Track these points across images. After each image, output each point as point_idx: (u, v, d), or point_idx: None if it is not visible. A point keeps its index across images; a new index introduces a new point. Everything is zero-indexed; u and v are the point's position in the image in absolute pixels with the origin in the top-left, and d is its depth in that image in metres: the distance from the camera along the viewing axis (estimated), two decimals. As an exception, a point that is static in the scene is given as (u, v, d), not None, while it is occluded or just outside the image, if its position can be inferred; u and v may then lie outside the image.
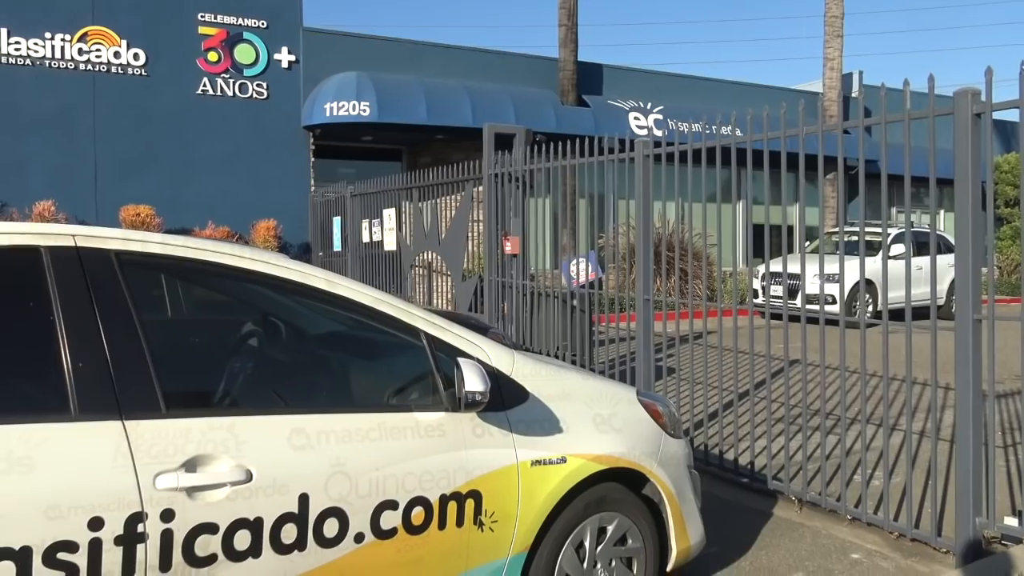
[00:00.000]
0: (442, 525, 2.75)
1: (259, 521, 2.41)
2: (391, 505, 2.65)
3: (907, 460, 4.27)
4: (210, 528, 2.33)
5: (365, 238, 11.02)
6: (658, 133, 16.41)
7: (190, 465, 2.33)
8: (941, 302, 13.00)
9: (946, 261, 12.26)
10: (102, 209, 13.41)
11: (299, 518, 2.47)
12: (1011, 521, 3.95)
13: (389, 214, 10.23)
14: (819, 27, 20.21)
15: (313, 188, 15.16)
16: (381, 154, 17.06)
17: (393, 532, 2.65)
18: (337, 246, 12.33)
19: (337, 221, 12.37)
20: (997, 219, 21.31)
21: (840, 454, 4.63)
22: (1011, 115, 4.81)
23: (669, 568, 3.43)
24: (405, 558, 2.69)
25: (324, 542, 2.52)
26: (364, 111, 14.71)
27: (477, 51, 17.21)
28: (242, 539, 2.38)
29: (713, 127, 5.39)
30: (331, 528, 2.53)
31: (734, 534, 4.34)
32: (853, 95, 21.60)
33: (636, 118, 17.27)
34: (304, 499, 2.48)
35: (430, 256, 9.59)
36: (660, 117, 17.38)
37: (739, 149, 5.20)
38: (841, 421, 4.57)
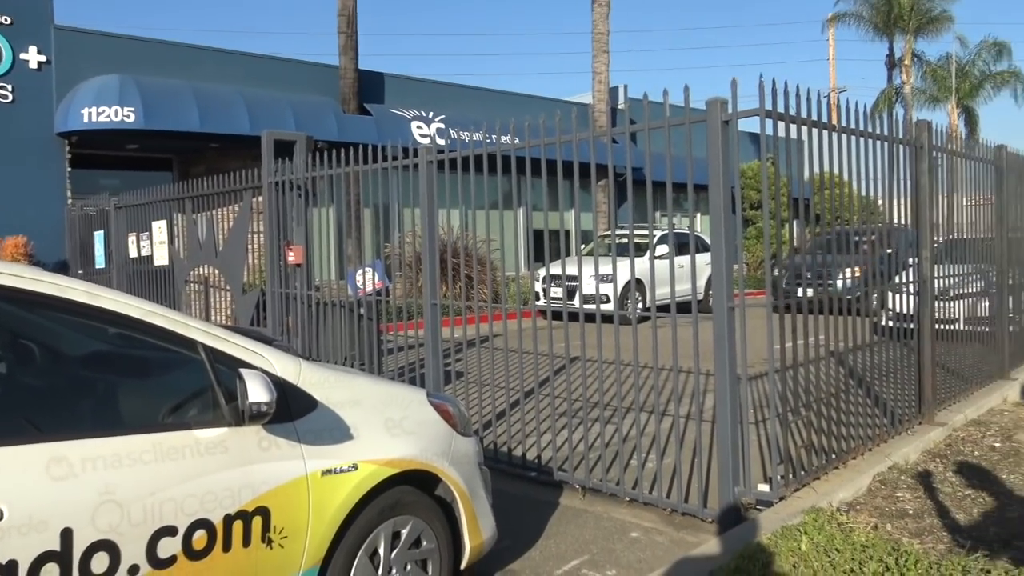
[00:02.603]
0: (227, 547, 2.64)
1: (13, 564, 2.19)
2: (169, 531, 2.50)
3: (676, 442, 4.63)
4: (-46, 576, 2.09)
5: (133, 253, 10.25)
6: (440, 141, 16.71)
7: (-74, 507, 2.07)
8: (700, 296, 14.21)
9: (703, 259, 13.41)
10: None
11: (62, 556, 2.28)
12: (763, 487, 4.42)
13: (159, 226, 9.59)
14: (588, 44, 21.44)
15: (71, 200, 13.88)
16: (149, 163, 15.94)
17: (172, 560, 2.51)
18: (100, 263, 11.36)
19: (100, 236, 11.40)
20: (743, 220, 23.64)
21: (618, 441, 4.94)
22: (754, 125, 5.37)
23: (463, 565, 3.49)
24: (188, 585, 2.55)
25: (93, 578, 2.33)
26: (128, 117, 13.68)
27: (254, 56, 16.57)
28: (-6, 585, 2.15)
29: (493, 135, 5.56)
30: (100, 563, 2.35)
31: (524, 526, 4.50)
32: (620, 107, 23.11)
33: (419, 127, 17.40)
34: (67, 534, 2.28)
35: (207, 270, 9.09)
36: (442, 126, 17.62)
37: (518, 157, 5.42)
38: (618, 411, 4.88)
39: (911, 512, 4.44)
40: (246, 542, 2.68)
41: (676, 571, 3.55)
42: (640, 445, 4.84)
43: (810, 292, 4.74)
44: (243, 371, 2.69)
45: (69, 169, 14.32)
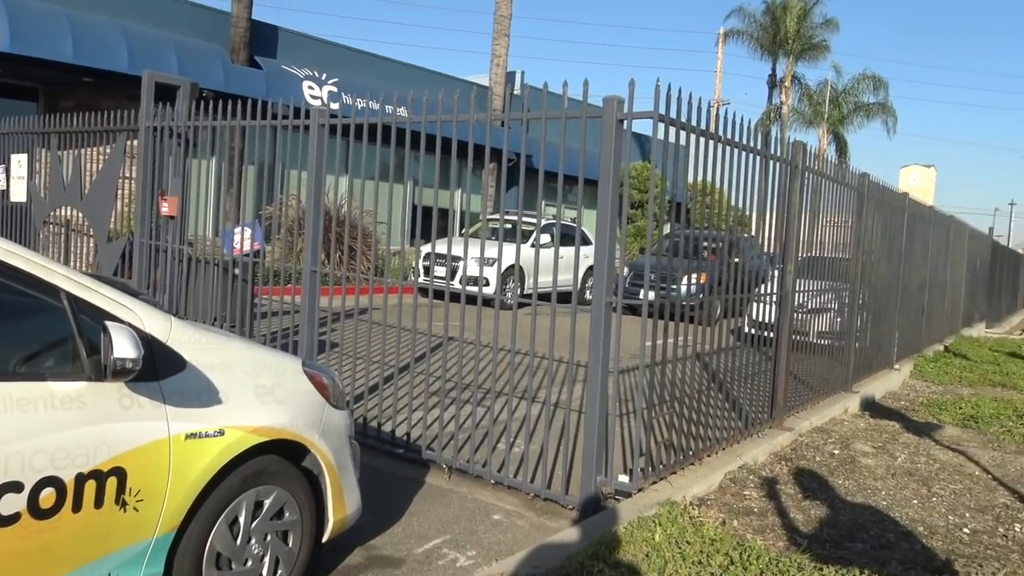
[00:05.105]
0: (77, 507, 2.50)
1: None
2: (14, 487, 2.35)
3: (544, 428, 4.73)
4: None
5: (-14, 185, 9.48)
6: (333, 105, 16.25)
7: None
8: (577, 287, 14.58)
9: (582, 252, 13.74)
10: None
11: None
12: (624, 478, 4.58)
13: (19, 160, 8.91)
14: (487, 24, 21.36)
15: (-85, 120, 12.68)
16: (12, 91, 14.72)
17: (15, 518, 2.36)
18: (-54, 191, 10.44)
19: (-52, 162, 10.48)
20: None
21: (487, 424, 4.99)
22: (644, 128, 5.50)
23: (325, 539, 3.45)
24: (29, 547, 2.40)
25: (-76, 533, 2.16)
26: (-10, 37, 12.59)
27: (137, -10, 15.58)
28: None
29: (389, 106, 5.47)
30: (-66, 516, 2.18)
31: (389, 503, 4.49)
32: (515, 92, 23.20)
33: (310, 87, 16.88)
34: (-102, 483, 2.11)
35: (69, 212, 8.53)
36: (335, 89, 17.17)
37: (413, 131, 5.35)
38: (490, 393, 4.93)
39: (756, 510, 4.72)
40: (98, 503, 2.55)
41: (535, 555, 3.64)
42: (509, 429, 4.91)
43: (651, 295, 4.68)
44: (109, 324, 2.55)
45: (-84, 86, 13.08)
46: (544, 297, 5.12)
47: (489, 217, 15.81)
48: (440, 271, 13.25)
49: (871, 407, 8.15)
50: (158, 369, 2.76)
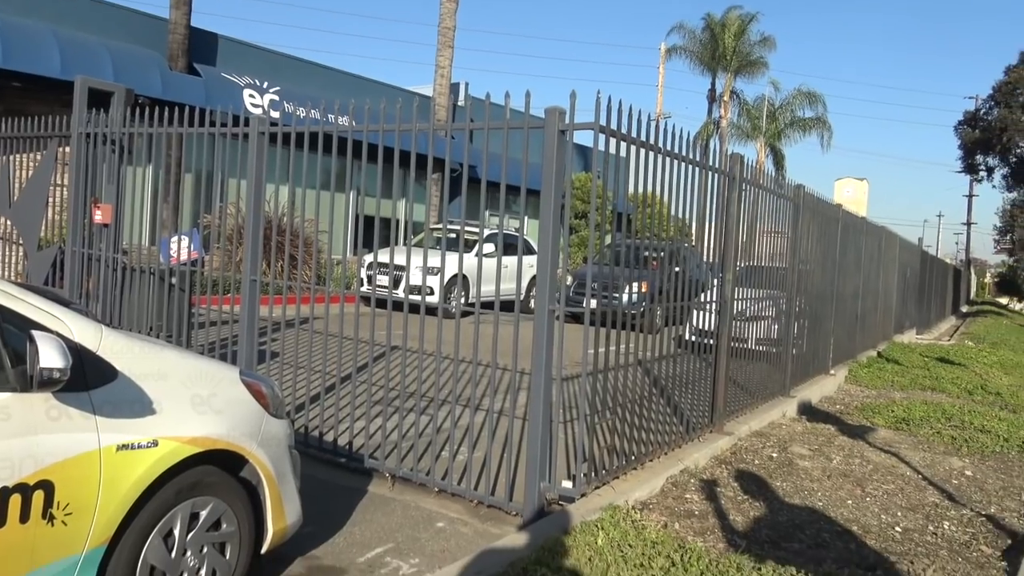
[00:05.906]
0: (0, 522, 2.41)
1: None
2: (-66, 502, 2.26)
3: (488, 436, 4.73)
4: None
5: (-94, 193, 9.11)
6: (274, 114, 16.06)
7: None
8: (523, 296, 14.55)
9: (527, 261, 13.78)
10: None
11: None
12: (567, 484, 4.60)
13: (-57, 167, 8.58)
14: (430, 35, 21.36)
15: None
16: (-66, 95, 14.21)
17: (-65, 533, 2.27)
18: None
19: None
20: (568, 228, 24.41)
21: (431, 432, 4.98)
22: (586, 139, 5.55)
23: (264, 550, 3.39)
24: (-50, 562, 2.31)
25: None
26: (-88, 40, 12.14)
27: (71, -7, 15.18)
28: None
29: (331, 115, 5.43)
30: None
31: (330, 512, 4.43)
32: (459, 103, 23.23)
33: (251, 96, 16.64)
34: None
35: (-3, 220, 8.25)
36: (276, 98, 16.96)
37: (355, 140, 5.32)
38: (434, 402, 4.91)
39: (697, 513, 4.79)
40: (24, 518, 2.46)
41: (478, 561, 3.63)
42: (453, 437, 4.90)
43: (593, 303, 4.72)
44: (36, 333, 2.47)
45: None
46: (488, 306, 5.12)
47: (433, 226, 15.77)
48: (383, 280, 13.15)
49: (808, 411, 8.34)
50: (88, 379, 2.69)
